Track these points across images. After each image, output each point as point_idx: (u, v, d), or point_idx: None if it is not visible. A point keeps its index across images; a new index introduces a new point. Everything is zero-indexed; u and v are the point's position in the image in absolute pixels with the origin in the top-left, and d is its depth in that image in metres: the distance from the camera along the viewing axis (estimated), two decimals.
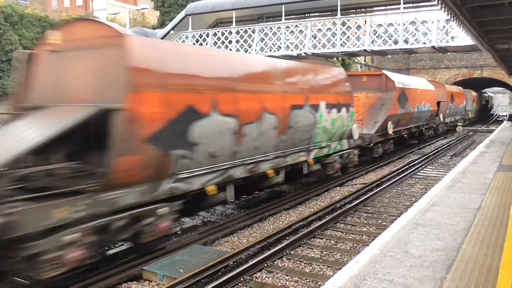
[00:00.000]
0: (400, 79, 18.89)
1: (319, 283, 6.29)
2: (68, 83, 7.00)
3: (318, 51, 23.56)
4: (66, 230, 5.64)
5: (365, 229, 9.11)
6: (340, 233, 8.85)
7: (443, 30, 20.54)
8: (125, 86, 6.26)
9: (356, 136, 13.99)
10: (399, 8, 21.99)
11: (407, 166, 16.53)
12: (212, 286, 5.94)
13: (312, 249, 7.84)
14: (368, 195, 11.65)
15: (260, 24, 25.94)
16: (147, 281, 6.48)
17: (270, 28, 24.82)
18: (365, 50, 22.80)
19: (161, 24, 37.89)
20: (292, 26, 24.40)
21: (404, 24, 21.26)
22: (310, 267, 7.05)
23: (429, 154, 20.15)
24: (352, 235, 8.74)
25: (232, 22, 25.60)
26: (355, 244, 8.12)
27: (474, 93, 41.45)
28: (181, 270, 6.42)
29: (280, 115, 9.64)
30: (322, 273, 6.81)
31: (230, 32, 25.46)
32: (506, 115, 60.74)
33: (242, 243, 8.18)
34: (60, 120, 6.29)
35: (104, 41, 6.72)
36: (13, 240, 5.18)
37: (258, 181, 9.98)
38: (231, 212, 10.31)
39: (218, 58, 8.73)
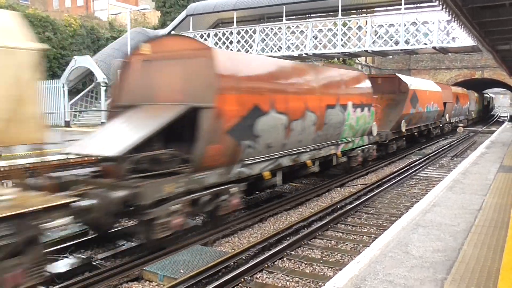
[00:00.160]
0: (411, 81, 20.51)
1: (320, 283, 6.29)
2: (158, 86, 8.52)
3: (319, 52, 23.58)
4: (172, 201, 7.18)
5: (365, 230, 9.10)
6: (341, 234, 8.84)
7: (444, 30, 20.56)
8: (213, 89, 7.83)
9: (374, 133, 15.75)
10: (400, 9, 22.02)
11: (408, 167, 16.52)
12: (212, 286, 5.94)
13: (312, 249, 7.84)
14: (368, 196, 11.65)
15: (261, 24, 25.98)
16: (147, 282, 6.48)
17: (271, 29, 24.84)
18: (366, 51, 22.82)
19: (162, 25, 37.95)
20: (293, 26, 24.42)
21: (405, 25, 21.28)
22: (311, 268, 7.04)
23: (430, 155, 20.14)
24: (352, 235, 8.73)
25: (233, 22, 25.62)
26: (355, 245, 8.11)
27: (476, 94, 42.85)
28: (181, 271, 6.42)
29: (318, 113, 11.28)
30: (322, 273, 6.80)
31: (231, 33, 25.48)
32: (507, 116, 60.71)
33: (242, 243, 8.18)
34: (159, 116, 7.85)
35: (193, 52, 8.30)
36: (137, 207, 6.77)
37: (299, 169, 11.72)
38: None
39: (274, 66, 10.58)
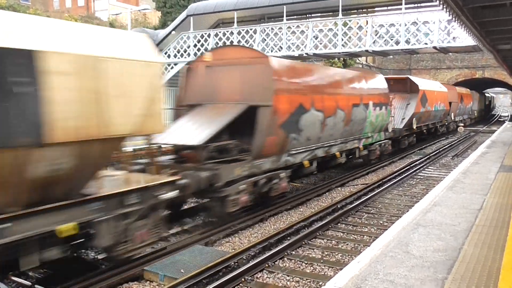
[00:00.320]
0: (421, 83, 22.45)
1: (320, 283, 6.29)
2: (219, 88, 10.10)
3: (319, 52, 23.55)
4: (239, 182, 8.88)
5: (366, 230, 9.10)
6: (341, 234, 8.85)
7: (445, 30, 20.52)
8: (271, 91, 9.52)
9: (390, 130, 17.67)
10: (400, 9, 21.98)
11: (409, 167, 16.52)
12: (213, 286, 5.94)
13: (313, 249, 7.84)
14: (369, 196, 11.65)
15: (261, 24, 25.96)
16: (148, 281, 6.49)
17: (272, 29, 24.82)
18: (367, 51, 22.78)
19: (163, 25, 37.93)
20: (293, 26, 24.40)
21: (405, 25, 21.25)
22: (311, 268, 7.05)
23: (431, 155, 20.13)
24: (353, 235, 8.73)
25: (233, 22, 25.62)
26: (356, 245, 8.12)
27: (478, 94, 45.20)
28: (182, 271, 6.43)
29: (346, 111, 13.02)
30: (323, 273, 6.81)
31: (232, 33, 25.48)
32: (508, 116, 60.65)
33: (243, 243, 8.19)
34: (225, 113, 9.54)
35: (251, 60, 10.04)
36: (214, 187, 8.38)
37: (329, 160, 13.38)
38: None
39: (313, 70, 12.58)
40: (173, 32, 27.71)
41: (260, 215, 9.78)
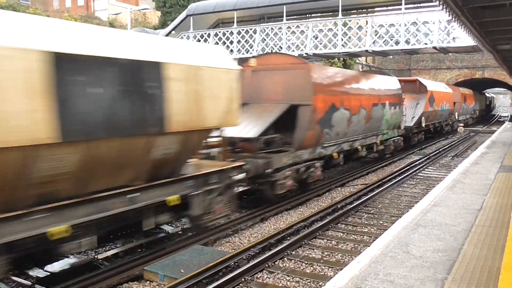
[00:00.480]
0: (429, 84, 24.17)
1: (320, 283, 6.29)
2: (264, 89, 11.47)
3: (319, 52, 23.56)
4: (286, 169, 10.51)
5: (366, 230, 9.10)
6: (341, 234, 8.85)
7: (445, 30, 20.53)
8: (310, 92, 11.13)
9: (402, 127, 19.33)
10: (400, 9, 21.98)
11: (408, 167, 16.52)
12: (213, 286, 5.94)
13: (313, 249, 7.84)
14: (369, 196, 11.66)
15: (261, 24, 25.95)
16: (148, 281, 6.49)
17: (271, 29, 24.82)
18: (367, 51, 22.78)
19: (163, 25, 37.95)
20: (293, 26, 24.40)
21: (405, 25, 21.25)
22: (311, 268, 7.05)
23: (430, 155, 20.13)
24: (353, 235, 8.73)
25: (233, 22, 25.62)
26: (356, 245, 8.12)
27: (480, 95, 47.02)
28: (182, 271, 6.43)
29: (367, 110, 14.65)
30: (323, 273, 6.81)
31: (232, 33, 25.48)
32: (508, 116, 60.66)
33: (243, 243, 8.19)
34: (271, 111, 11.12)
35: (293, 65, 11.60)
36: (267, 172, 10.03)
37: (352, 153, 14.92)
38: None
39: (342, 74, 14.16)
40: (173, 32, 27.71)
41: (260, 215, 9.79)
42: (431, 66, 44.92)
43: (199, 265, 6.57)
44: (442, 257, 4.97)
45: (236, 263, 6.92)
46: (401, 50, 21.98)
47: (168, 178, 7.13)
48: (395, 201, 11.53)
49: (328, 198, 11.99)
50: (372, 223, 9.62)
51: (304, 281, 6.48)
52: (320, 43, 23.50)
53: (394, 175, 14.84)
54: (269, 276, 6.68)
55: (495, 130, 28.51)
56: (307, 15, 26.80)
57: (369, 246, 5.77)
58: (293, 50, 23.97)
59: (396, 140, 18.71)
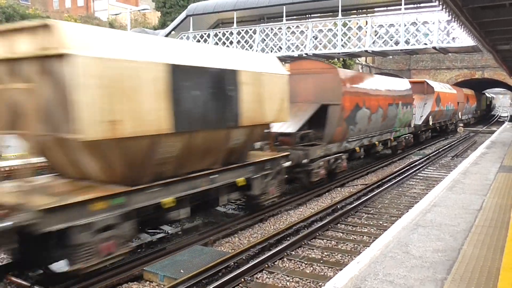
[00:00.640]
0: (436, 85, 26.06)
1: (320, 283, 6.29)
2: (297, 91, 12.38)
3: (319, 52, 23.56)
4: (319, 160, 12.10)
5: (366, 230, 9.10)
6: (341, 234, 8.85)
7: (444, 31, 20.53)
8: (340, 93, 12.82)
9: (412, 125, 21.28)
10: (400, 9, 21.98)
11: (408, 167, 16.52)
12: (213, 286, 5.94)
13: (313, 249, 7.84)
14: (369, 196, 11.66)
15: (261, 24, 25.96)
16: (148, 282, 6.49)
17: (271, 29, 24.83)
18: (366, 51, 22.79)
19: (162, 25, 37.93)
20: (293, 26, 24.41)
21: (405, 25, 21.26)
22: (311, 268, 7.05)
23: (430, 155, 20.14)
24: (353, 235, 8.73)
25: (233, 22, 25.62)
26: (355, 245, 8.12)
27: (481, 95, 49.37)
28: (181, 271, 6.43)
29: (384, 109, 16.37)
30: (322, 273, 6.81)
31: (231, 33, 25.49)
32: (507, 116, 60.67)
33: (243, 243, 8.19)
34: (306, 109, 12.61)
35: (323, 70, 13.31)
36: (304, 162, 11.49)
37: (371, 148, 16.59)
38: (232, 213, 10.32)
39: (363, 77, 16.17)
40: (173, 32, 27.71)
41: (259, 215, 9.78)
42: (431, 66, 44.93)
43: (199, 265, 6.57)
44: (441, 257, 4.98)
45: (236, 263, 6.92)
46: (401, 50, 21.99)
47: (236, 163, 8.86)
48: (395, 202, 11.53)
49: (328, 198, 11.99)
50: (371, 223, 9.62)
51: (303, 281, 6.48)
52: (320, 44, 23.50)
53: (394, 175, 14.84)
54: (268, 276, 6.68)
55: (495, 130, 28.52)
56: (307, 16, 26.80)
57: (368, 246, 5.78)
58: (293, 51, 23.97)
59: (407, 137, 20.58)
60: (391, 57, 41.23)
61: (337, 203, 10.77)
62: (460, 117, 34.06)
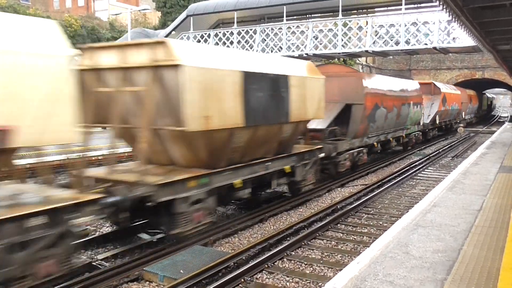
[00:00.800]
0: (442, 86, 28.08)
1: (320, 284, 6.29)
2: (326, 92, 12.31)
3: (319, 52, 23.57)
4: (345, 153, 13.73)
5: (365, 230, 9.10)
6: (341, 234, 8.84)
7: (445, 31, 20.54)
8: (363, 94, 14.38)
9: (421, 123, 23.05)
10: (400, 9, 21.99)
11: (408, 167, 16.52)
12: (212, 287, 5.94)
13: (312, 250, 7.83)
14: (369, 196, 11.65)
15: (261, 24, 25.97)
16: (147, 282, 6.48)
17: (272, 29, 24.84)
18: (367, 51, 22.80)
19: (163, 25, 37.96)
20: (293, 27, 24.41)
21: (405, 25, 21.26)
22: (311, 268, 7.04)
23: (430, 155, 20.13)
24: (352, 236, 8.73)
25: (233, 22, 25.63)
26: (355, 245, 8.11)
27: (482, 95, 51.43)
28: (181, 271, 6.42)
29: (398, 108, 18.04)
30: (322, 274, 6.80)
31: (232, 33, 25.50)
32: (508, 116, 60.64)
33: (242, 244, 8.18)
34: (330, 108, 13.58)
35: (347, 73, 15.27)
36: (333, 155, 13.08)
37: (386, 144, 18.18)
38: (232, 213, 10.32)
39: (381, 79, 17.55)
40: (173, 32, 27.73)
41: (259, 215, 9.78)
42: (431, 67, 44.92)
43: (199, 265, 6.57)
44: (441, 258, 4.97)
45: (235, 264, 6.92)
46: (401, 50, 22.01)
47: (283, 153, 10.50)
48: (395, 202, 11.52)
49: (327, 198, 11.98)
50: (371, 223, 9.62)
51: (303, 282, 6.48)
52: (320, 44, 23.51)
53: (394, 175, 14.84)
54: (268, 276, 6.67)
55: (495, 131, 28.51)
56: (307, 16, 26.81)
57: (368, 246, 5.77)
58: (293, 51, 23.97)
59: (416, 135, 22.46)
60: (391, 57, 41.24)
61: (337, 203, 10.76)
62: (463, 116, 35.59)
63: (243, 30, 25.29)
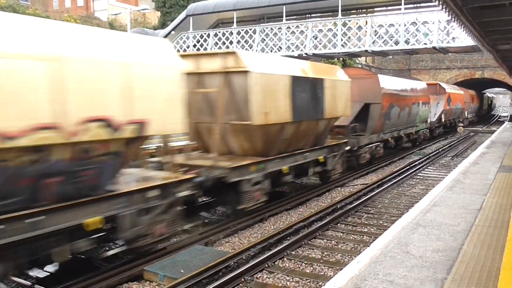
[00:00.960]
0: (447, 87, 29.71)
1: (320, 283, 6.29)
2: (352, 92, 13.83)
3: (319, 52, 23.57)
4: (365, 147, 15.56)
5: (366, 230, 9.10)
6: (341, 234, 8.84)
7: (444, 30, 20.54)
8: (380, 94, 16.04)
9: (428, 121, 24.73)
10: (400, 9, 21.99)
11: (408, 167, 16.52)
12: (213, 286, 5.94)
13: (313, 249, 7.84)
14: (369, 196, 11.65)
15: (261, 24, 25.96)
16: (148, 282, 6.48)
17: (271, 29, 24.83)
18: (366, 51, 22.80)
19: (162, 25, 37.92)
20: (293, 26, 24.41)
21: (405, 25, 21.27)
22: (311, 268, 7.05)
23: (430, 155, 20.13)
24: (353, 235, 8.73)
25: (233, 22, 25.62)
26: (355, 245, 8.11)
27: (483, 95, 54.15)
28: (182, 271, 6.42)
29: (409, 107, 19.72)
30: (322, 273, 6.81)
31: (231, 33, 25.49)
32: (507, 116, 60.66)
33: (243, 243, 8.18)
34: (352, 107, 14.49)
35: (366, 75, 16.78)
36: (354, 149, 14.97)
37: (398, 139, 19.74)
38: (232, 213, 10.31)
39: (395, 80, 19.06)
40: (173, 32, 27.71)
41: (259, 215, 9.78)
42: (431, 66, 44.91)
43: (199, 265, 6.57)
44: (441, 257, 4.97)
45: (236, 263, 6.92)
46: (401, 50, 22.01)
47: (318, 146, 12.19)
48: (395, 201, 11.52)
49: (328, 198, 11.98)
50: (371, 223, 9.62)
51: (304, 281, 6.48)
52: (320, 43, 23.51)
53: (394, 175, 14.84)
54: (269, 276, 6.68)
55: (495, 130, 28.52)
56: (307, 15, 26.81)
57: (368, 246, 5.77)
58: (293, 51, 23.97)
59: (424, 132, 24.27)
60: (391, 57, 41.20)
61: (337, 203, 10.77)
62: (466, 115, 37.23)
63: (242, 30, 25.28)
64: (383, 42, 22.00)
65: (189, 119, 8.39)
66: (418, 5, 23.49)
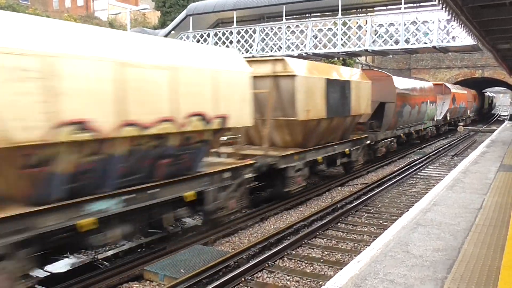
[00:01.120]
0: (452, 87, 31.32)
1: (320, 283, 6.29)
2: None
3: (319, 51, 23.55)
4: (381, 142, 17.36)
5: (366, 229, 9.10)
6: (341, 233, 8.85)
7: (444, 30, 20.53)
8: (394, 94, 17.73)
9: (435, 119, 26.66)
10: (400, 8, 21.98)
11: (408, 166, 16.52)
12: (213, 286, 5.94)
13: (313, 249, 7.84)
14: (369, 195, 11.65)
15: (261, 24, 25.94)
16: (148, 281, 6.49)
17: (271, 28, 24.82)
18: (366, 50, 22.79)
19: (162, 24, 37.89)
20: (293, 26, 24.40)
21: (405, 24, 21.26)
22: (311, 267, 7.05)
23: (430, 154, 20.13)
24: (353, 235, 8.73)
25: (233, 22, 25.61)
26: (356, 244, 8.12)
27: (483, 95, 56.17)
28: (182, 270, 6.43)
29: (419, 106, 21.31)
30: (323, 273, 6.81)
31: (231, 32, 25.48)
32: (507, 115, 60.64)
33: (243, 243, 8.18)
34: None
35: (382, 77, 17.95)
36: (371, 144, 16.48)
37: (409, 135, 21.45)
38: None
39: (407, 81, 20.71)
40: (173, 32, 27.69)
41: (260, 214, 9.79)
42: (431, 66, 44.87)
43: (199, 264, 6.57)
44: (442, 256, 4.97)
45: (236, 263, 6.92)
46: (401, 49, 21.99)
47: (344, 140, 13.71)
48: (395, 201, 11.53)
49: (328, 197, 11.98)
50: (372, 222, 9.62)
51: (304, 281, 6.48)
52: (320, 43, 23.49)
53: (394, 174, 14.84)
54: (269, 275, 6.68)
55: (495, 129, 28.51)
56: (307, 15, 26.79)
57: (369, 245, 5.77)
58: (293, 50, 23.95)
59: (431, 129, 26.11)
60: (391, 56, 41.17)
61: (337, 203, 10.77)
62: (468, 114, 39.04)
63: (242, 30, 25.27)
64: (383, 41, 21.99)
65: None
66: (418, 4, 23.48)
